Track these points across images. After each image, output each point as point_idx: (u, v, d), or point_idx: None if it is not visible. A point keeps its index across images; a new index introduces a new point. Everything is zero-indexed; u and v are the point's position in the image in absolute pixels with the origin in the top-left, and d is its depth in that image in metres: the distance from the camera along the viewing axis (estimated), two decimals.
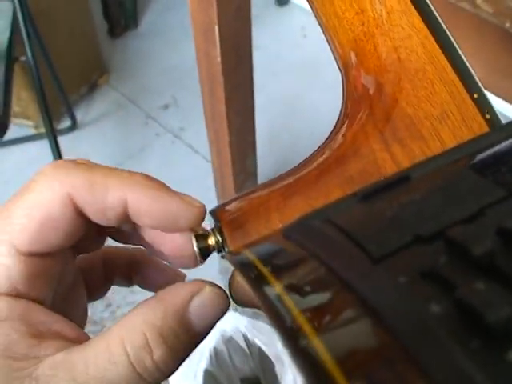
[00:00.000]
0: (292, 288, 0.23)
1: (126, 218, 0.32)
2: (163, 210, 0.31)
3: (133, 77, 2.20)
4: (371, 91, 0.34)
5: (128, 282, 0.40)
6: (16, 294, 0.30)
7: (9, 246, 0.30)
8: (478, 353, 0.17)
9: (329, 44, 0.37)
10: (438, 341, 0.17)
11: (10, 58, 1.42)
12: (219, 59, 1.15)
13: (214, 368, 1.02)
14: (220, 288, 0.32)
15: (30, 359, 0.28)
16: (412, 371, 0.17)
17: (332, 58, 0.38)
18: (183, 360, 0.30)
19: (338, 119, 0.35)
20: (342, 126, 0.34)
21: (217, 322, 0.31)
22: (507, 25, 0.66)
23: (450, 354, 0.17)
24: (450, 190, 0.24)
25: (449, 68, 0.33)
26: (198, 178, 1.68)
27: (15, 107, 1.85)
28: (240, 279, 0.27)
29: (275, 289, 0.23)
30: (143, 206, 0.31)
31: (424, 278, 0.20)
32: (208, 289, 0.31)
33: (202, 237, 0.33)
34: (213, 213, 0.34)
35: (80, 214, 0.31)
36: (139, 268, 0.39)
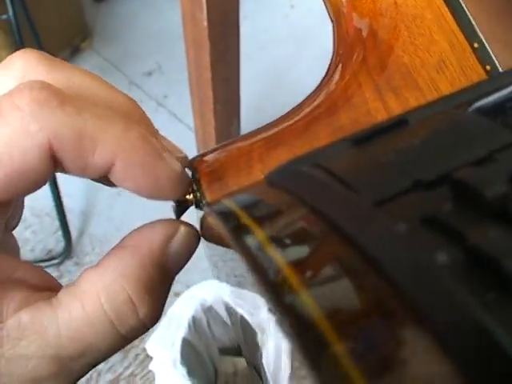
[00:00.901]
0: (277, 238, 0.21)
1: (105, 177, 0.27)
2: (151, 182, 0.27)
3: (117, 42, 2.14)
4: (364, 34, 0.32)
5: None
6: None
7: None
8: (496, 305, 0.15)
9: None
10: (448, 292, 0.15)
11: None
12: (205, 23, 1.12)
13: (193, 337, 1.01)
14: (192, 226, 0.29)
15: None
16: (415, 325, 0.15)
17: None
18: (162, 309, 0.28)
19: (329, 68, 0.33)
20: (332, 75, 0.32)
21: (187, 262, 0.29)
22: None
23: (464, 304, 0.15)
24: (454, 134, 0.22)
25: (448, 15, 0.31)
26: (180, 147, 1.63)
27: None
28: (213, 223, 0.25)
29: (258, 239, 0.21)
30: (130, 174, 0.27)
31: (427, 225, 0.18)
32: (183, 230, 0.29)
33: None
34: (191, 164, 0.32)
35: (55, 165, 0.26)
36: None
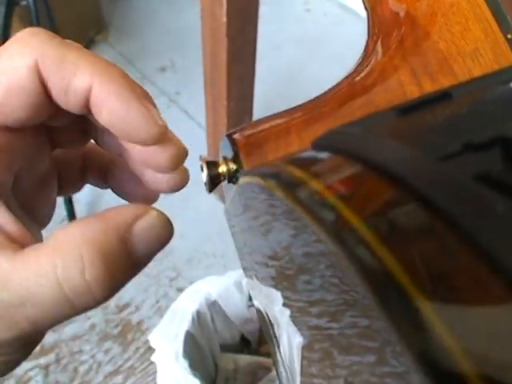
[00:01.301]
0: (336, 189, 0.21)
1: (86, 109, 0.29)
2: (125, 113, 0.28)
3: (132, 36, 2.16)
4: (402, 18, 0.32)
5: (102, 183, 0.37)
6: None
7: None
8: None
9: None
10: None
11: (11, 1, 1.40)
12: (225, 19, 1.12)
13: (196, 331, 1.01)
14: (165, 216, 0.29)
15: None
16: (483, 267, 0.16)
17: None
18: (118, 289, 0.27)
19: (365, 50, 0.33)
20: (369, 57, 0.33)
21: (159, 251, 0.28)
22: None
23: None
24: (502, 104, 0.22)
25: (484, 5, 0.31)
26: (190, 144, 1.62)
27: None
28: (255, 186, 0.25)
29: (316, 187, 0.21)
30: (107, 101, 0.28)
31: (481, 182, 0.18)
32: (154, 213, 0.28)
33: (212, 164, 0.32)
34: (229, 136, 0.32)
35: (44, 89, 0.28)
36: (116, 172, 0.35)
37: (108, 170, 0.36)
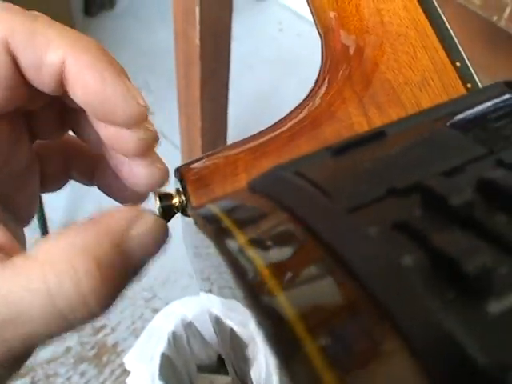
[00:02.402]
0: (257, 241, 0.21)
1: (61, 88, 0.27)
2: (101, 89, 0.26)
3: None
4: (351, 51, 0.32)
5: (88, 179, 0.35)
6: None
7: None
8: (456, 304, 0.15)
9: (308, 6, 0.36)
10: (411, 292, 0.16)
11: None
12: (198, 41, 1.13)
13: (172, 352, 1.00)
14: (160, 218, 0.28)
15: None
16: (382, 325, 0.16)
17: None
18: (114, 300, 0.25)
19: (316, 82, 0.34)
20: (318, 89, 0.33)
21: (155, 256, 0.27)
22: (495, 18, 0.65)
23: (425, 305, 0.15)
24: (429, 146, 0.23)
25: (432, 34, 0.32)
26: (166, 164, 1.62)
27: None
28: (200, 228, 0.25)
29: (239, 241, 0.21)
30: (81, 75, 0.26)
31: (397, 229, 0.18)
32: (149, 216, 0.27)
33: (165, 196, 0.32)
34: (177, 171, 0.32)
35: (16, 67, 0.26)
36: (101, 169, 0.34)
37: (93, 166, 0.34)
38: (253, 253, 0.20)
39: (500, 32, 0.67)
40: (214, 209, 0.25)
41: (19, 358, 0.26)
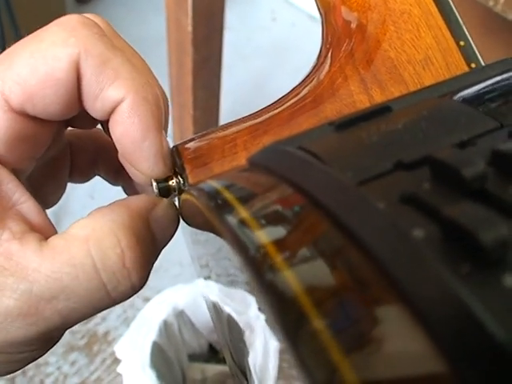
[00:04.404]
0: (260, 216, 0.21)
1: (106, 116, 0.28)
2: (139, 141, 0.27)
3: None
4: (353, 26, 0.32)
5: (112, 178, 0.36)
6: None
7: (1, 98, 0.26)
8: (471, 277, 0.15)
9: None
10: (424, 265, 0.15)
11: None
12: (190, 28, 1.12)
13: (163, 340, 1.00)
14: (174, 203, 0.30)
15: None
16: (394, 300, 0.15)
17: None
18: (149, 275, 0.27)
19: (317, 60, 0.33)
20: (320, 67, 0.32)
21: (172, 237, 0.29)
22: (491, 3, 0.65)
23: (440, 278, 0.15)
24: (437, 120, 0.22)
25: (436, 12, 0.31)
26: None
27: None
28: (192, 203, 0.25)
29: (241, 216, 0.21)
30: (128, 121, 0.27)
31: (406, 202, 0.18)
32: (165, 201, 0.29)
33: (163, 178, 0.31)
34: (175, 149, 0.31)
35: (78, 87, 0.27)
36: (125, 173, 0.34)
37: (118, 166, 0.34)
38: (256, 228, 0.20)
39: (496, 17, 0.67)
40: (215, 184, 0.24)
41: (51, 337, 0.26)
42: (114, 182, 0.36)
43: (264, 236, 0.19)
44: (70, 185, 0.35)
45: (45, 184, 0.32)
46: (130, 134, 0.27)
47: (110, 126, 0.28)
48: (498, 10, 0.65)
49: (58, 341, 0.28)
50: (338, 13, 0.33)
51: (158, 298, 1.04)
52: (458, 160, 0.18)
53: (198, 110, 1.32)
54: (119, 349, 0.96)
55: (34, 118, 0.27)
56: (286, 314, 0.16)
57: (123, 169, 0.32)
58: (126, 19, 2.24)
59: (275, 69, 2.06)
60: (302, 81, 0.33)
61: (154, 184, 0.31)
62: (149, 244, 0.26)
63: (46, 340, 0.26)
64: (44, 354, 0.27)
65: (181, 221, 0.32)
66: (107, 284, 0.24)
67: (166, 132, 0.31)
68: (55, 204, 0.35)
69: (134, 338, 0.97)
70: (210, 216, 0.22)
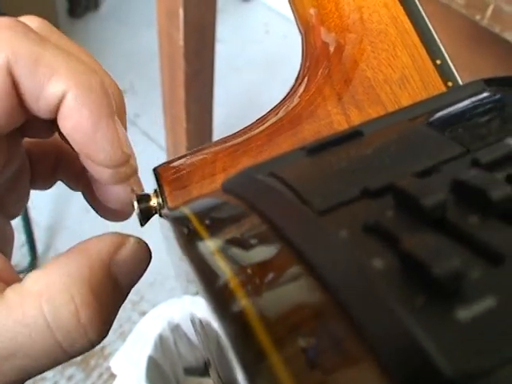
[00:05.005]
0: (226, 246, 0.21)
1: (55, 114, 0.26)
2: (91, 133, 0.26)
3: None
4: (331, 48, 0.32)
5: (74, 184, 0.35)
6: None
7: None
8: (424, 311, 0.15)
9: (289, 3, 0.35)
10: (379, 298, 0.15)
11: None
12: (182, 43, 1.12)
13: (159, 355, 1.00)
14: (141, 240, 0.28)
15: None
16: (349, 332, 0.15)
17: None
18: (110, 327, 0.25)
19: (296, 80, 0.33)
20: (298, 87, 0.33)
21: (140, 278, 0.27)
22: (477, 17, 0.65)
23: (393, 312, 0.15)
24: (405, 145, 0.22)
25: (412, 31, 0.31)
26: (152, 166, 1.61)
27: None
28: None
29: (208, 246, 0.21)
30: (76, 115, 0.25)
31: (368, 232, 0.18)
32: (132, 240, 0.27)
33: (143, 198, 0.31)
34: (155, 171, 0.32)
35: (16, 91, 0.25)
36: (85, 177, 0.33)
37: (79, 173, 0.33)
38: (220, 259, 0.20)
39: (482, 31, 0.67)
40: (186, 210, 0.24)
41: None
42: (75, 188, 0.35)
43: (227, 268, 0.19)
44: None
45: (6, 197, 0.31)
46: (80, 127, 0.26)
47: (59, 122, 0.26)
48: (485, 23, 0.65)
49: None
50: (317, 33, 0.33)
51: (153, 313, 1.04)
52: (418, 189, 0.18)
53: (191, 122, 1.33)
54: (115, 364, 0.96)
55: None
56: (245, 349, 0.16)
57: (84, 174, 0.31)
58: (118, 34, 2.24)
59: (268, 81, 2.06)
60: (281, 101, 0.33)
61: (136, 205, 0.31)
62: (110, 293, 0.25)
63: None
64: None
65: (164, 238, 0.32)
66: (62, 342, 0.23)
67: (125, 120, 0.30)
68: (19, 215, 0.33)
69: (130, 352, 0.97)
70: (179, 243, 0.22)
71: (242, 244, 0.21)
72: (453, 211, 0.18)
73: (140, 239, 0.28)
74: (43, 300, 0.23)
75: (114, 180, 0.29)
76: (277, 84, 2.01)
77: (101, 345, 0.89)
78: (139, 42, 2.17)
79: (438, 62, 0.31)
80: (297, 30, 0.35)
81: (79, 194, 0.36)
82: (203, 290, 0.19)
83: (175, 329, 1.04)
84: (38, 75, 0.25)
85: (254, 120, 0.33)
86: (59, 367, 1.26)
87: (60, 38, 0.28)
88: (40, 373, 0.25)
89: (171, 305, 1.05)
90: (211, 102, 1.37)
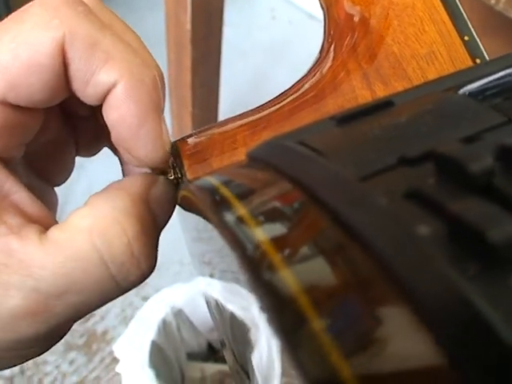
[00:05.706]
0: (258, 213, 0.20)
1: (100, 102, 0.26)
2: (136, 127, 0.26)
3: None
4: (356, 20, 0.31)
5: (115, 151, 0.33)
6: None
7: None
8: (479, 277, 0.14)
9: None
10: (430, 264, 0.15)
11: None
12: (189, 26, 1.11)
13: (162, 340, 1.00)
14: (170, 179, 0.29)
15: None
16: (398, 301, 0.15)
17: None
18: (156, 259, 0.26)
19: (319, 53, 0.33)
20: (322, 61, 0.32)
21: (171, 215, 0.28)
22: (492, 1, 0.64)
23: (447, 278, 0.14)
24: (442, 114, 0.21)
25: (440, 7, 0.31)
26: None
27: None
28: (190, 200, 0.24)
29: (239, 213, 0.20)
30: (124, 107, 0.25)
31: (410, 198, 0.17)
32: (162, 179, 0.28)
33: (160, 172, 0.30)
34: (174, 145, 0.31)
35: (64, 72, 0.25)
36: None
37: None
38: (253, 225, 0.19)
39: (497, 15, 0.66)
40: (212, 180, 0.23)
41: (59, 332, 0.26)
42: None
43: (262, 234, 0.19)
44: (67, 183, 0.34)
45: (49, 165, 0.31)
46: (125, 120, 0.25)
47: (104, 111, 0.26)
48: (500, 8, 0.65)
49: (66, 333, 0.27)
50: (341, 6, 0.32)
51: (156, 298, 1.03)
52: (464, 155, 0.17)
53: (197, 106, 1.32)
54: (118, 348, 0.96)
55: (18, 107, 0.25)
56: (283, 315, 0.16)
57: None
58: (124, 17, 2.22)
59: (274, 66, 2.05)
60: (304, 76, 0.32)
61: None
62: (152, 227, 0.25)
63: (56, 334, 0.25)
64: (52, 346, 0.26)
65: (180, 220, 0.31)
66: (116, 275, 0.23)
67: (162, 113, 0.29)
68: (64, 183, 0.34)
69: (133, 337, 0.97)
70: (207, 213, 0.21)
71: (275, 211, 0.20)
72: (500, 178, 0.17)
73: (167, 179, 0.28)
74: (95, 234, 0.23)
75: (145, 167, 0.29)
76: (283, 69, 2.00)
77: (103, 329, 0.89)
78: (145, 26, 2.16)
79: (466, 38, 0.30)
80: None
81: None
82: (237, 257, 0.18)
83: (178, 314, 1.03)
84: (92, 60, 0.24)
85: (264, 102, 0.32)
86: (61, 351, 1.26)
87: (112, 17, 0.28)
88: (91, 310, 0.25)
89: (174, 290, 1.04)
90: (218, 86, 1.36)
